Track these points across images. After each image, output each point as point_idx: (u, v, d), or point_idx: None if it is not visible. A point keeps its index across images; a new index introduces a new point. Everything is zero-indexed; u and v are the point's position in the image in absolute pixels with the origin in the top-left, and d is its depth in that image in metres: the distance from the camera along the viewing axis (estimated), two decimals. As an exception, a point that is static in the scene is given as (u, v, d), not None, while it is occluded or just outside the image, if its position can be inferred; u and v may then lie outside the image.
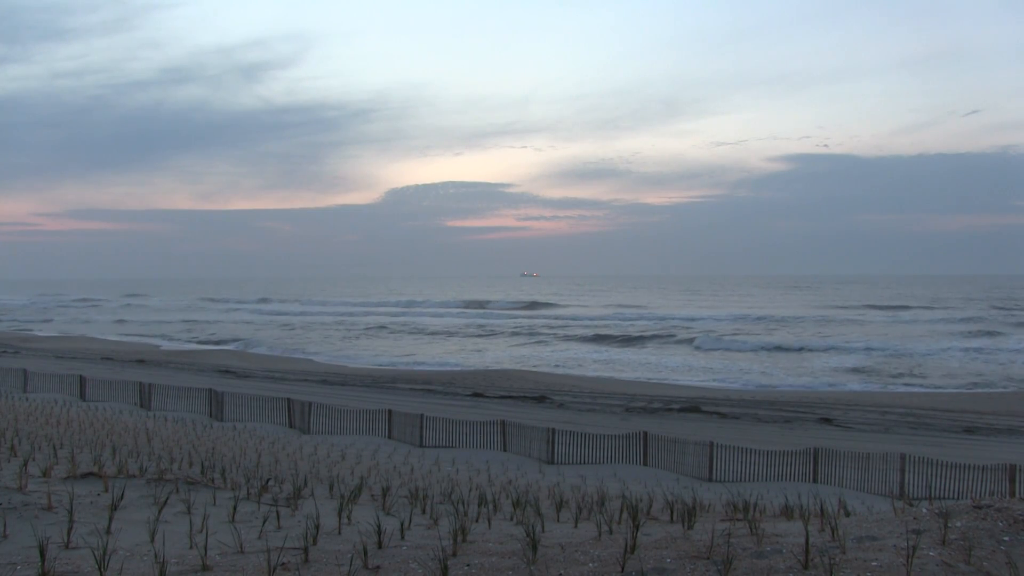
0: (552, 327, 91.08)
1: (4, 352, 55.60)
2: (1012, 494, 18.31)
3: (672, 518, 6.24)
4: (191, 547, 5.23)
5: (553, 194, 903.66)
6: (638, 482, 19.48)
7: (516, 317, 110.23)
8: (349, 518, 6.51)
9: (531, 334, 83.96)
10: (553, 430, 23.92)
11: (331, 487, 9.52)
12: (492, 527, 6.21)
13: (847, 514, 6.25)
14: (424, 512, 7.35)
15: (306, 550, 4.85)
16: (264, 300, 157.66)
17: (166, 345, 73.35)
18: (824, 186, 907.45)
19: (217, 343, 76.04)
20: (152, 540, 5.41)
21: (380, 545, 5.10)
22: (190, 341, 78.32)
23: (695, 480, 21.24)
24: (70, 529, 5.28)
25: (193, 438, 19.39)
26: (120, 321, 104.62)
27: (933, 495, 19.09)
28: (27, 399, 26.83)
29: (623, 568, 4.29)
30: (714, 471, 21.84)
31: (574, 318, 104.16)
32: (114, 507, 6.21)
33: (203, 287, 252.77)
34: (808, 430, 30.30)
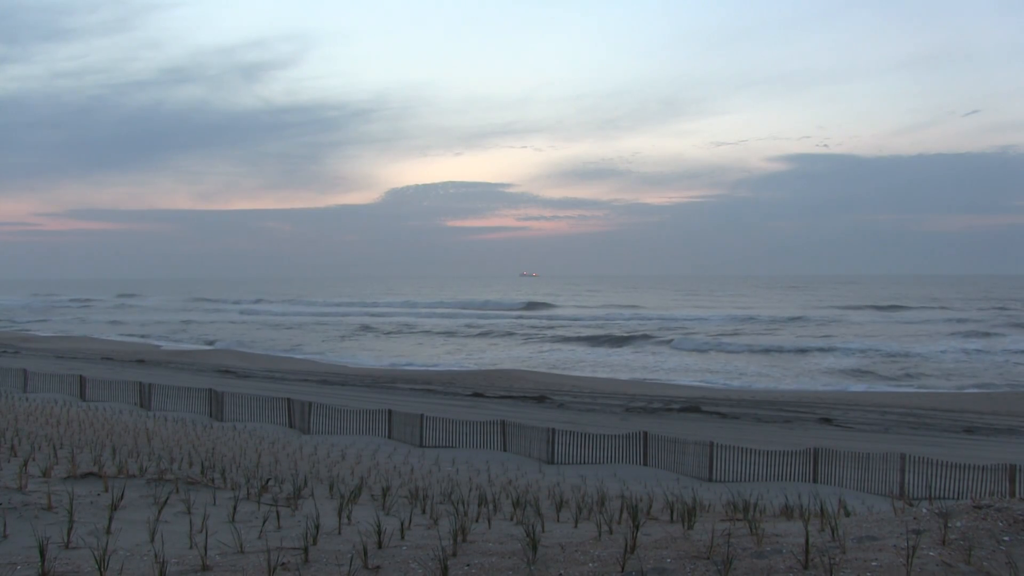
0: (551, 327, 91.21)
1: (4, 352, 55.58)
2: (1012, 494, 18.32)
3: (672, 518, 6.24)
4: (191, 547, 5.23)
5: (553, 194, 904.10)
6: (638, 482, 19.48)
7: (515, 317, 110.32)
8: (349, 518, 6.51)
9: (530, 334, 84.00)
10: (553, 430, 23.93)
11: (331, 487, 9.51)
12: (492, 527, 6.21)
13: (847, 514, 6.25)
14: (424, 512, 7.35)
15: (306, 550, 4.85)
16: (261, 300, 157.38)
17: (165, 345, 73.35)
18: (824, 186, 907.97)
19: (212, 343, 75.99)
20: (152, 540, 5.41)
21: (380, 545, 5.10)
22: (186, 341, 78.29)
23: (695, 480, 21.24)
24: (70, 529, 5.28)
25: (193, 438, 19.38)
26: (114, 322, 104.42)
27: (933, 495, 19.09)
28: (27, 399, 26.82)
29: (623, 568, 4.29)
30: (714, 471, 21.84)
31: (573, 318, 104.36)
32: (114, 507, 6.21)
33: (201, 287, 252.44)
34: (808, 430, 30.31)
